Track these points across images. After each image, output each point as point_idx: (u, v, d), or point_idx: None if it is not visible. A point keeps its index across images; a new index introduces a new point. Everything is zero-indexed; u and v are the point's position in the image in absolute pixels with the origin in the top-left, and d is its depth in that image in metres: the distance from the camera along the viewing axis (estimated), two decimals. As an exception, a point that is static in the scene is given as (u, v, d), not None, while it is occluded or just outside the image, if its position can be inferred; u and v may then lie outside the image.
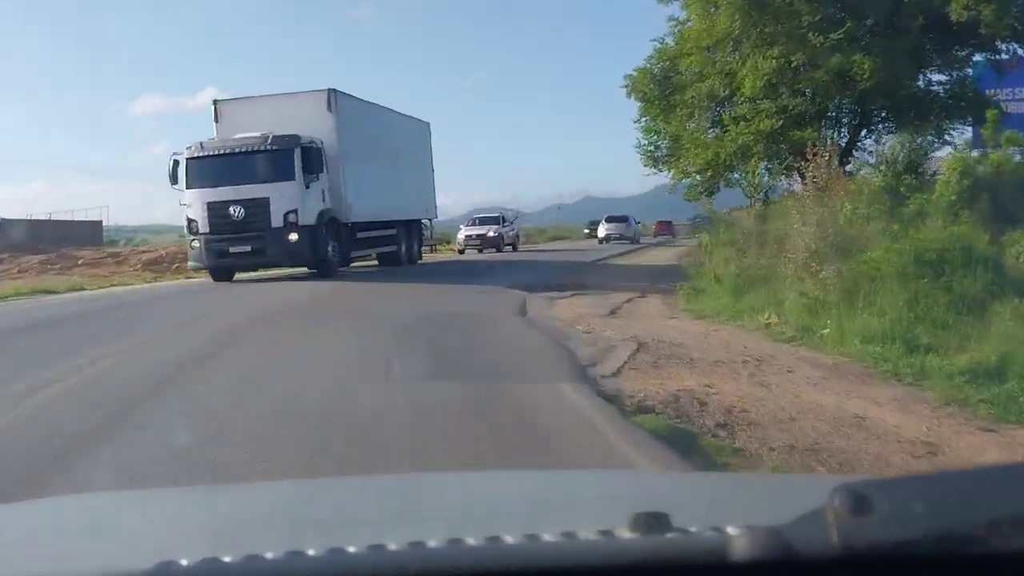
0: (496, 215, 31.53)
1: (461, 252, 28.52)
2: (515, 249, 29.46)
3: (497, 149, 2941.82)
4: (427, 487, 1.81)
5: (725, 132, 16.52)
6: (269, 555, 0.85)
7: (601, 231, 40.64)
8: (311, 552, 0.86)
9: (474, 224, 30.21)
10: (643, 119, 18.70)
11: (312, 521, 1.35)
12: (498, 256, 26.16)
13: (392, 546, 0.87)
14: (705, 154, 16.59)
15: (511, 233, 30.52)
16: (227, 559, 0.86)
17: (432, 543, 0.87)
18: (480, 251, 28.27)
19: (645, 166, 19.07)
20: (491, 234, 28.89)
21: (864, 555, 0.78)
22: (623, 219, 42.50)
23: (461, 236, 29.60)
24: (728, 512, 1.30)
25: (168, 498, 1.92)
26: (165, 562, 0.85)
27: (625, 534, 0.88)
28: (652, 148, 18.80)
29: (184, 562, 0.86)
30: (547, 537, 0.90)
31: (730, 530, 0.86)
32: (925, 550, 0.79)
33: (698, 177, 17.89)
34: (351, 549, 0.87)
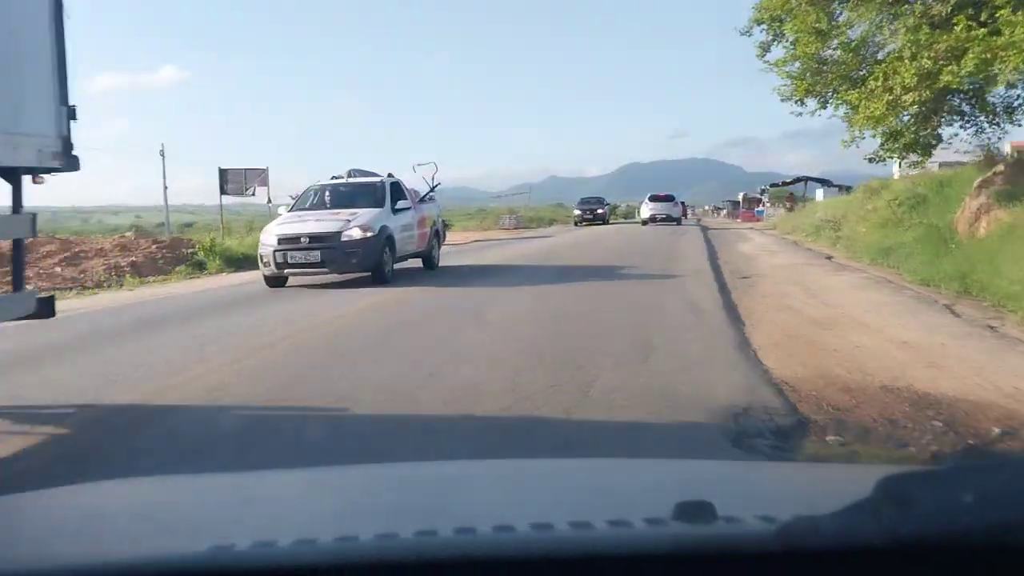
0: (362, 181, 13.95)
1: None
2: (430, 262, 14.52)
3: (462, 129, 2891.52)
4: (477, 474, 1.79)
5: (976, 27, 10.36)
6: (321, 540, 0.90)
7: (645, 212, 37.28)
8: (362, 537, 0.91)
9: (295, 220, 12.75)
10: (782, 40, 14.17)
11: (363, 507, 1.35)
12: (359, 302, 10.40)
13: (442, 532, 0.91)
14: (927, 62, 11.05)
15: (415, 226, 13.78)
16: (281, 543, 0.89)
17: (481, 530, 0.91)
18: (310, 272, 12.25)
19: (796, 100, 14.53)
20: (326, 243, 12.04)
21: (910, 546, 0.78)
22: (669, 198, 38.39)
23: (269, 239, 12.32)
24: (774, 502, 1.25)
25: (217, 483, 1.89)
26: (220, 546, 0.90)
27: (672, 523, 0.89)
28: (802, 77, 14.05)
29: (238, 546, 0.90)
30: (595, 525, 0.91)
31: (777, 519, 0.88)
32: (971, 542, 0.77)
33: (904, 115, 12.53)
34: (402, 535, 0.91)
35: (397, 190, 13.68)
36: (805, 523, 0.84)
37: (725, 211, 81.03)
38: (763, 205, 49.29)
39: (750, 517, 0.92)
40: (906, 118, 13.47)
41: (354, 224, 12.10)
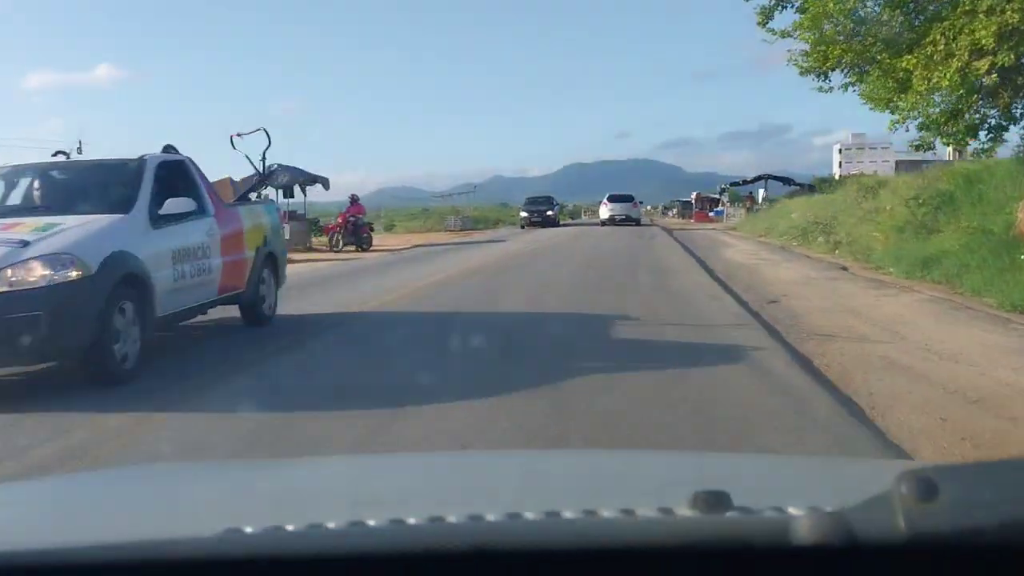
0: (90, 163, 7.64)
1: None
2: (255, 311, 7.89)
3: (406, 128, 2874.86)
4: (488, 464, 1.81)
5: None
6: (331, 525, 0.89)
7: (604, 212, 36.24)
8: (372, 523, 0.89)
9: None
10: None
11: (373, 495, 1.35)
12: None
13: (451, 519, 0.89)
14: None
15: (213, 248, 7.10)
16: (290, 528, 0.88)
17: (491, 518, 0.89)
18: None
19: (818, 74, 12.64)
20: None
21: (930, 542, 0.77)
22: (628, 198, 37.72)
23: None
24: (790, 494, 1.19)
25: (231, 470, 1.94)
26: (230, 529, 0.89)
27: (685, 512, 0.87)
28: (829, 43, 12.08)
29: (248, 530, 0.89)
30: (606, 514, 0.90)
31: (792, 511, 0.87)
32: (992, 538, 0.77)
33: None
34: (411, 521, 0.89)
35: (172, 177, 6.82)
36: (822, 516, 0.81)
37: (675, 211, 79.19)
38: (723, 205, 46.97)
39: (766, 508, 0.91)
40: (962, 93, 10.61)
41: (35, 251, 5.21)
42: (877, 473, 1.35)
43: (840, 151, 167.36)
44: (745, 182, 43.43)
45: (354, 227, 23.37)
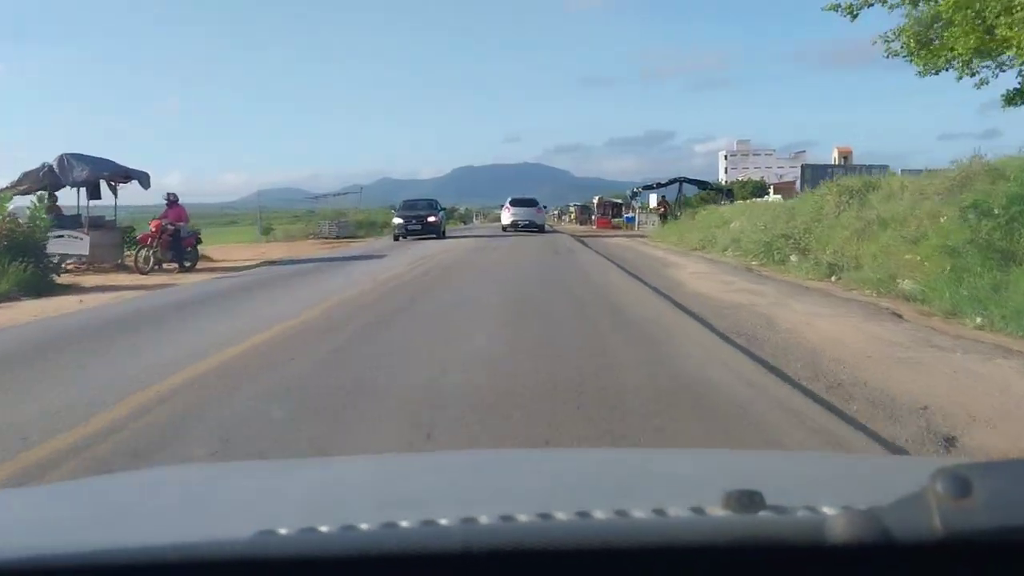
0: None
1: None
2: None
3: (291, 128, 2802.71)
4: (517, 462, 1.79)
5: None
6: (364, 526, 0.88)
7: (506, 217, 33.66)
8: (405, 524, 0.88)
9: None
10: None
11: (403, 494, 1.33)
12: None
13: (483, 519, 0.88)
14: None
15: None
16: (324, 529, 0.87)
17: (523, 518, 0.88)
18: None
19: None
20: None
21: (967, 540, 0.75)
22: (532, 203, 34.90)
23: None
24: (822, 492, 1.17)
25: (261, 471, 1.89)
26: (264, 531, 0.88)
27: (717, 511, 0.86)
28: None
29: (283, 531, 0.88)
30: (637, 513, 0.89)
31: (826, 510, 0.85)
32: None
33: None
34: (443, 521, 0.88)
35: None
36: (857, 514, 0.79)
37: (572, 216, 75.19)
38: (633, 211, 42.75)
39: (799, 508, 0.88)
40: None
41: None
42: (908, 471, 1.31)
43: (726, 157, 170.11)
44: (659, 185, 39.43)
45: (172, 239, 17.25)
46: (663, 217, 36.89)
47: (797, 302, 9.50)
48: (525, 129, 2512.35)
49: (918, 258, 10.29)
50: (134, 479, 1.85)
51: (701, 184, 40.20)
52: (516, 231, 32.24)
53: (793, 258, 14.54)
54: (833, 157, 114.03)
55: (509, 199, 35.22)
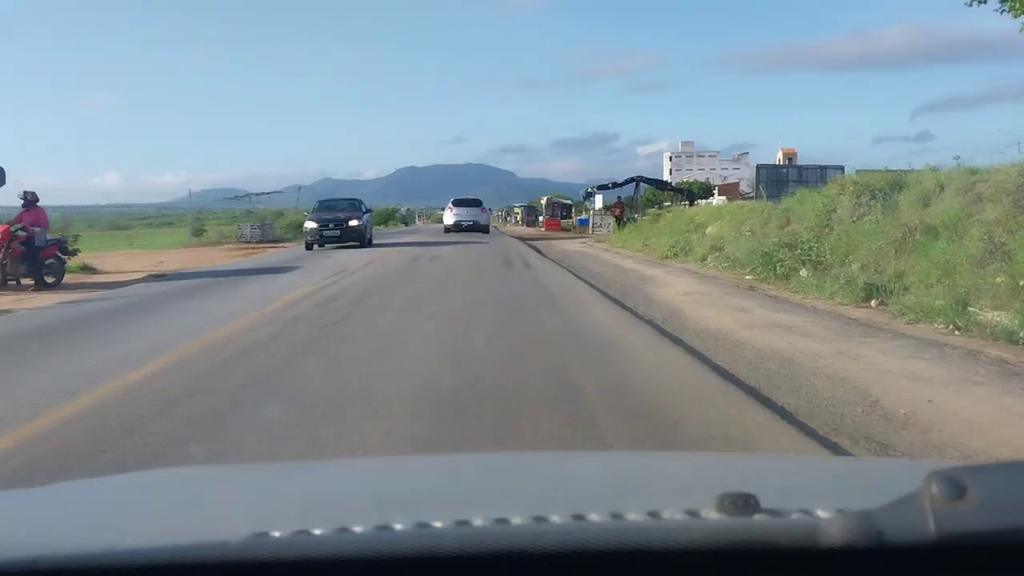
0: None
1: None
2: None
3: (230, 128, 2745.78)
4: (512, 466, 1.77)
5: None
6: (358, 529, 0.88)
7: (448, 218, 32.22)
8: (399, 527, 0.88)
9: None
10: None
11: (398, 497, 1.33)
12: None
13: (478, 522, 0.88)
14: None
15: None
16: (318, 531, 0.88)
17: (517, 521, 0.88)
18: None
19: None
20: None
21: (961, 542, 0.75)
22: (475, 203, 33.47)
23: None
24: (817, 495, 1.20)
25: (256, 473, 1.90)
26: (258, 533, 0.88)
27: (712, 515, 0.86)
28: None
29: (276, 534, 0.88)
30: (632, 516, 0.89)
31: (821, 513, 0.85)
32: (1022, 539, 0.75)
33: None
34: (437, 524, 0.88)
35: None
36: (852, 517, 0.79)
37: (518, 217, 72.15)
38: (587, 213, 39.84)
39: (794, 511, 0.88)
40: None
41: None
42: (902, 473, 1.32)
43: (671, 159, 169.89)
44: (614, 184, 36.64)
45: (26, 249, 13.58)
46: (619, 220, 34.12)
47: (868, 348, 6.55)
48: (469, 130, 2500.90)
49: (1001, 280, 7.47)
50: (129, 481, 1.84)
51: (660, 184, 37.65)
52: (460, 231, 30.77)
53: (803, 272, 11.70)
54: (778, 158, 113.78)
55: (452, 200, 33.70)
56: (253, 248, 26.69)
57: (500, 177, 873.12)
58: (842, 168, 38.51)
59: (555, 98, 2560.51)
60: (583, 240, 29.53)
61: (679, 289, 11.44)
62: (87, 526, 1.19)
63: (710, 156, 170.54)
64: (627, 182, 35.91)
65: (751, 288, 11.45)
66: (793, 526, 0.84)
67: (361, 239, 23.73)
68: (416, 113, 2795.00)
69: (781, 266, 12.23)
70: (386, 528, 0.87)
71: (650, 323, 8.02)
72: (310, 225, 24.15)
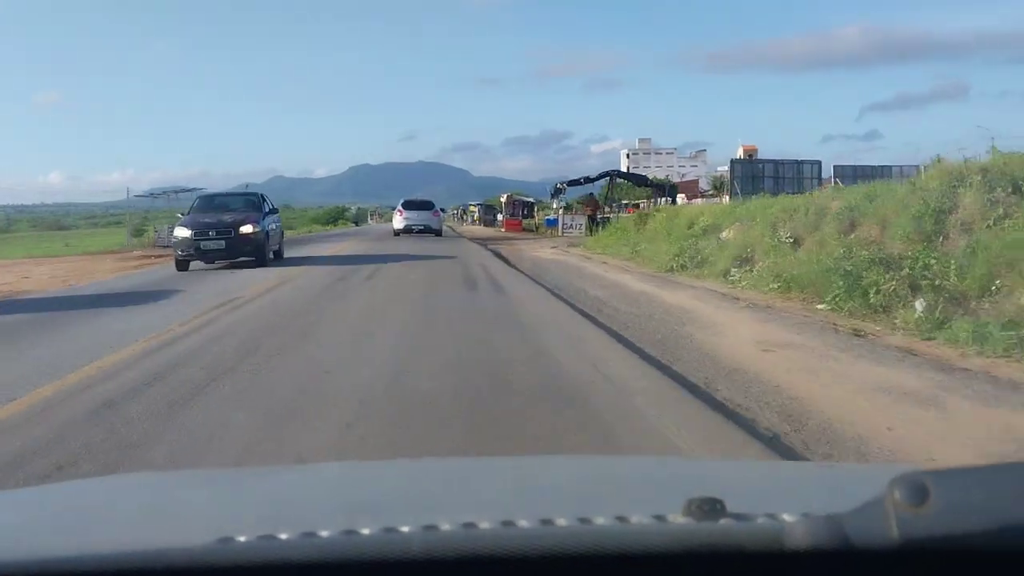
0: None
1: None
2: None
3: (179, 124, 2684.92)
4: (480, 470, 1.75)
5: None
6: (324, 533, 0.87)
7: (398, 222, 29.78)
8: (365, 531, 0.87)
9: None
10: None
11: (366, 501, 1.31)
12: None
13: (445, 527, 0.87)
14: None
15: None
16: (283, 536, 0.86)
17: (485, 525, 0.87)
18: None
19: None
20: None
21: (924, 546, 0.76)
22: (427, 205, 30.97)
23: None
24: (783, 500, 1.22)
25: (222, 478, 1.90)
26: (223, 538, 0.86)
27: (679, 519, 0.86)
28: None
29: (242, 539, 0.86)
30: (600, 520, 0.89)
31: (786, 518, 0.86)
32: (985, 542, 0.76)
33: None
34: (404, 529, 0.87)
35: None
36: (817, 521, 0.80)
37: (476, 216, 67.74)
38: (555, 212, 35.66)
39: (760, 515, 0.88)
40: None
41: None
42: (868, 478, 1.33)
43: (628, 156, 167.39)
44: (587, 180, 32.60)
45: None
46: (592, 220, 30.07)
47: None
48: (422, 128, 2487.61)
49: None
50: (94, 486, 1.82)
51: (638, 179, 33.65)
52: (410, 235, 28.30)
53: (919, 305, 7.71)
54: (738, 154, 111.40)
55: (402, 201, 31.12)
56: (158, 256, 21.96)
57: (454, 175, 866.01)
58: (819, 163, 34.79)
59: (510, 96, 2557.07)
60: (552, 244, 25.38)
61: (744, 335, 7.31)
62: (48, 532, 1.16)
63: (667, 153, 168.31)
64: (601, 177, 31.90)
65: (857, 334, 7.36)
66: (759, 530, 0.84)
67: (259, 253, 16.13)
68: (370, 110, 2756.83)
69: (878, 294, 8.23)
70: (353, 533, 0.86)
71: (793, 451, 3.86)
72: (182, 233, 16.07)
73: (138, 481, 1.88)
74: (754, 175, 31.74)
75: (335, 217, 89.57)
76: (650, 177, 30.69)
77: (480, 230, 48.14)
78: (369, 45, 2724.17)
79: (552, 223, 33.07)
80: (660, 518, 0.87)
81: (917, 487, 0.76)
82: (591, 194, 34.59)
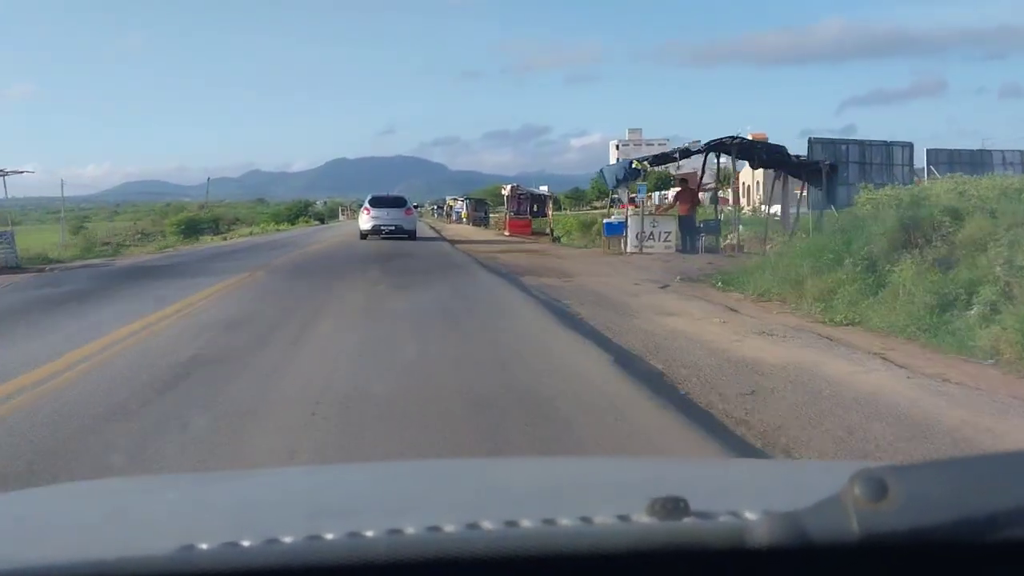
0: None
1: None
2: None
3: (154, 118, 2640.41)
4: (444, 473, 1.75)
5: None
6: (288, 539, 0.85)
7: (364, 222, 25.61)
8: (329, 536, 0.86)
9: None
10: None
11: (330, 506, 1.29)
12: None
13: (410, 530, 0.86)
14: None
15: None
16: (246, 543, 0.85)
17: (450, 528, 0.87)
18: None
19: None
20: None
21: (883, 542, 0.77)
22: (398, 202, 26.70)
23: None
24: (746, 498, 1.20)
25: (186, 483, 1.89)
26: (185, 546, 0.85)
27: (643, 519, 0.87)
28: None
29: (204, 546, 0.85)
30: (564, 522, 0.89)
31: (748, 515, 0.87)
32: (944, 536, 0.77)
33: None
34: (369, 533, 0.86)
35: None
36: (777, 518, 0.80)
37: (461, 214, 55.95)
38: (617, 211, 23.41)
39: (722, 513, 0.89)
40: None
41: None
42: (829, 475, 1.28)
43: (617, 147, 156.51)
44: (686, 153, 20.83)
45: None
46: (690, 228, 18.76)
47: None
48: (400, 122, 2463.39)
49: None
50: (54, 493, 1.82)
51: (773, 154, 20.80)
52: (379, 237, 24.76)
53: None
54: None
55: (369, 198, 26.71)
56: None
57: (431, 169, 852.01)
58: (911, 145, 25.39)
59: (490, 90, 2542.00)
60: (635, 276, 13.70)
61: None
62: (7, 540, 1.13)
63: (660, 144, 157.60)
64: (713, 145, 19.73)
65: None
66: (721, 528, 0.85)
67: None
68: (350, 105, 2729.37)
69: None
70: (317, 538, 0.85)
71: None
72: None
73: (100, 488, 1.85)
74: (836, 159, 20.87)
75: (296, 214, 75.42)
76: (792, 155, 18.87)
77: (470, 231, 36.91)
78: (349, 38, 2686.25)
79: (616, 230, 20.25)
80: (624, 518, 0.87)
81: (876, 483, 0.76)
82: (684, 180, 23.27)
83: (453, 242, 25.72)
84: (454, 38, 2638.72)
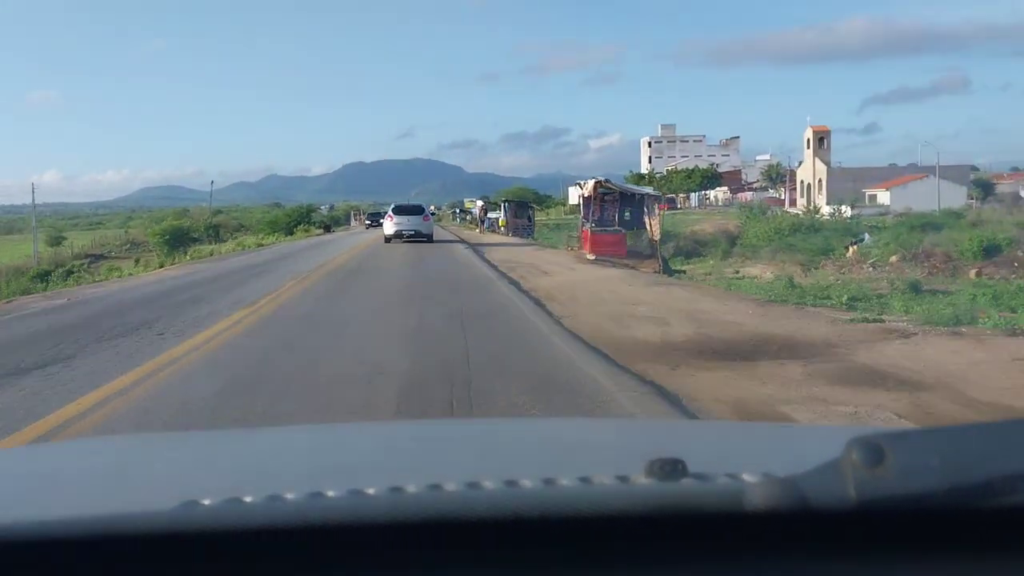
0: None
1: None
2: None
3: (176, 123, 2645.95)
4: (446, 433, 1.77)
5: None
6: (290, 496, 0.86)
7: (389, 227, 28.92)
8: (331, 494, 0.86)
9: None
10: None
11: (333, 465, 1.31)
12: None
13: (411, 488, 0.86)
14: None
15: None
16: (249, 499, 0.85)
17: (450, 487, 0.87)
18: None
19: None
20: None
21: (879, 507, 0.77)
22: (417, 209, 30.04)
23: None
24: (745, 461, 1.19)
25: (190, 441, 1.87)
26: (187, 502, 0.86)
27: (641, 480, 0.86)
28: None
29: (206, 502, 0.85)
30: (564, 482, 0.89)
31: (746, 478, 0.87)
32: (940, 503, 0.77)
33: None
34: (371, 491, 0.86)
35: None
36: (776, 482, 0.80)
37: (499, 221, 43.30)
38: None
39: (721, 475, 0.89)
40: None
41: None
42: (828, 440, 1.25)
43: (649, 144, 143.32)
44: None
45: None
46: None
47: None
48: (418, 125, 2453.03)
49: None
50: (57, 450, 1.79)
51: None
52: (401, 240, 27.89)
53: None
54: (806, 138, 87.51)
55: (392, 206, 30.46)
56: None
57: (448, 172, 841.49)
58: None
59: (507, 92, 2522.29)
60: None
61: None
62: (11, 496, 1.13)
63: (695, 141, 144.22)
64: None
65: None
66: (720, 490, 0.85)
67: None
68: (365, 108, 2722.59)
69: None
70: (319, 495, 0.85)
71: None
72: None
73: (103, 445, 1.83)
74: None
75: (297, 221, 59.71)
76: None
77: (530, 253, 24.06)
78: (368, 43, 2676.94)
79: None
80: (623, 479, 0.87)
81: (874, 449, 0.76)
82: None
83: (488, 261, 17.46)
84: (472, 41, 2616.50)
